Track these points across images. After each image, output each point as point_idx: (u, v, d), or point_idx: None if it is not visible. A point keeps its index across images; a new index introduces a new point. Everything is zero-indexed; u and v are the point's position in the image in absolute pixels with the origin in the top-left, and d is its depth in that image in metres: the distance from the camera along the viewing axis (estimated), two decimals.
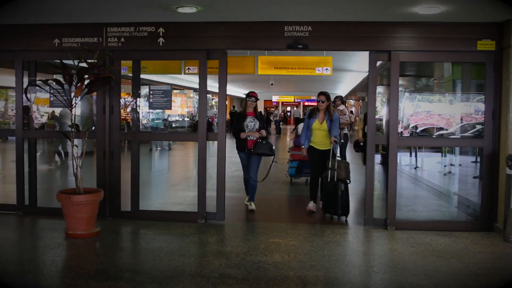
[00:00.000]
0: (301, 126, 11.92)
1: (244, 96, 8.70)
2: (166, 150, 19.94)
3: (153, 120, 21.96)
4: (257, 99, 8.46)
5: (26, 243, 6.73)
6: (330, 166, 8.10)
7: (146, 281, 5.18)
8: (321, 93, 8.49)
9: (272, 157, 8.47)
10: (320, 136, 8.41)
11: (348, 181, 8.04)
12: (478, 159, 10.38)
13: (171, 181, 13.03)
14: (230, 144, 8.52)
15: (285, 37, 7.45)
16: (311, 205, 8.46)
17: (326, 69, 10.19)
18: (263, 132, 8.28)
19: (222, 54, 7.68)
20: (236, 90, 35.67)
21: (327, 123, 8.36)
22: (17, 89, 7.99)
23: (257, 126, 8.40)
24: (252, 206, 8.52)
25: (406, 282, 5.21)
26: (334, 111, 8.55)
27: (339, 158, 8.43)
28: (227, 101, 44.43)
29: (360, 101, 28.86)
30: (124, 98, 8.01)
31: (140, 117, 22.46)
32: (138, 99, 7.93)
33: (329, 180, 8.05)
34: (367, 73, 17.14)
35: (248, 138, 8.35)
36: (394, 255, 6.16)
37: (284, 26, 7.41)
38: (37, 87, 7.25)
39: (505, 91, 7.10)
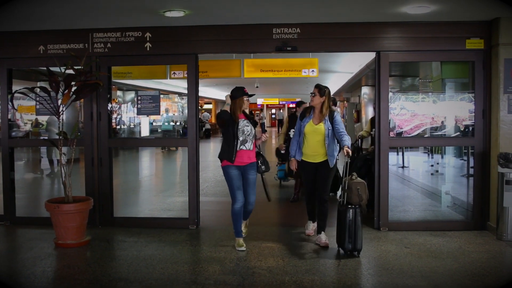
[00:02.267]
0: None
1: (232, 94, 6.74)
2: (174, 152, 20.47)
3: (163, 124, 22.51)
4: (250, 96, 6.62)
5: (15, 254, 6.59)
6: (342, 185, 6.57)
7: None
8: (315, 86, 6.74)
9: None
10: (313, 143, 6.61)
11: (359, 207, 6.24)
12: (466, 158, 10.42)
13: (163, 186, 12.92)
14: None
15: (274, 40, 7.42)
16: (310, 227, 7.10)
17: (313, 70, 10.10)
18: (267, 137, 6.66)
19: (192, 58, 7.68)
20: (220, 93, 35.54)
21: (325, 125, 6.52)
22: (2, 97, 7.87)
23: (253, 132, 6.55)
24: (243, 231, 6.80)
25: (403, 284, 5.18)
26: (335, 110, 6.75)
27: (355, 177, 6.48)
28: (211, 105, 44.20)
29: (345, 102, 28.89)
30: (111, 104, 7.88)
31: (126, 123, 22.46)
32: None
33: (340, 203, 6.41)
34: (352, 74, 17.37)
35: (242, 148, 6.43)
36: (389, 257, 6.12)
37: (272, 28, 7.38)
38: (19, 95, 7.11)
39: (494, 89, 7.12)
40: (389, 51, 7.32)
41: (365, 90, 21.25)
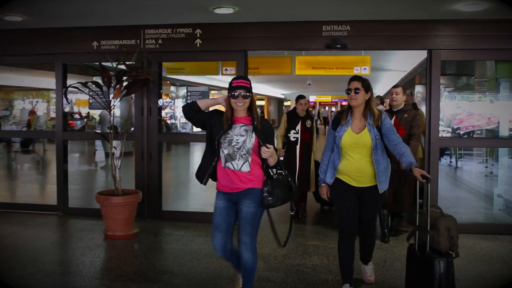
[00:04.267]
0: None
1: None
2: None
3: None
4: (249, 92, 4.18)
5: (66, 244, 6.81)
6: (418, 223, 4.56)
7: (184, 283, 5.17)
8: (354, 78, 4.62)
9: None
10: (356, 160, 4.61)
11: (454, 254, 4.42)
12: None
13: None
14: None
15: (323, 37, 7.36)
16: None
17: (364, 68, 10.02)
18: (268, 151, 4.02)
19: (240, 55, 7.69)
20: (273, 90, 35.63)
21: (371, 134, 4.56)
22: (57, 91, 8.13)
23: (250, 144, 4.16)
24: None
25: None
26: (382, 112, 4.73)
27: (440, 212, 4.59)
28: (263, 102, 44.26)
29: None
30: (163, 99, 8.01)
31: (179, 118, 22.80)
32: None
33: (416, 248, 4.57)
34: (405, 72, 17.09)
35: (228, 166, 4.25)
36: None
37: (322, 25, 7.32)
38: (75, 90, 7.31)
39: None
40: (441, 49, 7.14)
41: (419, 89, 20.80)
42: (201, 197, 10.24)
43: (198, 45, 7.60)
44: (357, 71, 9.97)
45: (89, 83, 7.08)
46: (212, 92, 25.70)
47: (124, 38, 7.76)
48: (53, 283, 5.17)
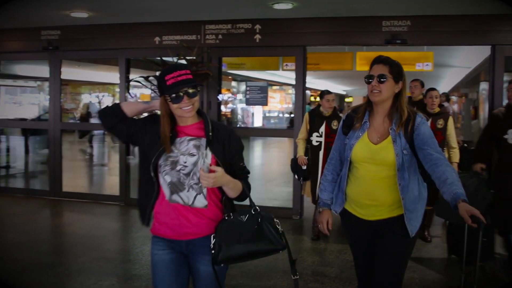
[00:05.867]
0: None
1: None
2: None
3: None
4: (196, 88, 2.67)
5: (127, 233, 7.02)
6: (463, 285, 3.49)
7: (239, 275, 5.25)
8: (379, 60, 3.03)
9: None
10: (369, 180, 3.05)
11: None
12: None
13: (272, 175, 13.10)
14: None
15: (383, 32, 7.30)
16: None
17: (427, 64, 9.80)
18: (208, 176, 2.53)
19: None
20: (334, 86, 35.29)
21: (396, 147, 2.96)
22: (121, 85, 8.39)
23: (205, 168, 2.63)
24: None
25: None
26: (417, 113, 3.04)
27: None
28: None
29: (464, 97, 27.68)
30: (222, 94, 8.12)
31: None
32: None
33: None
34: (470, 69, 16.61)
35: (176, 200, 2.72)
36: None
37: (382, 21, 7.26)
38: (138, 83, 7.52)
39: None
40: (505, 44, 6.94)
41: (484, 86, 20.24)
42: (259, 191, 10.27)
43: (257, 41, 7.67)
44: (419, 67, 9.77)
45: (151, 77, 7.26)
46: (274, 87, 25.76)
47: (185, 34, 7.92)
48: (113, 270, 5.36)
